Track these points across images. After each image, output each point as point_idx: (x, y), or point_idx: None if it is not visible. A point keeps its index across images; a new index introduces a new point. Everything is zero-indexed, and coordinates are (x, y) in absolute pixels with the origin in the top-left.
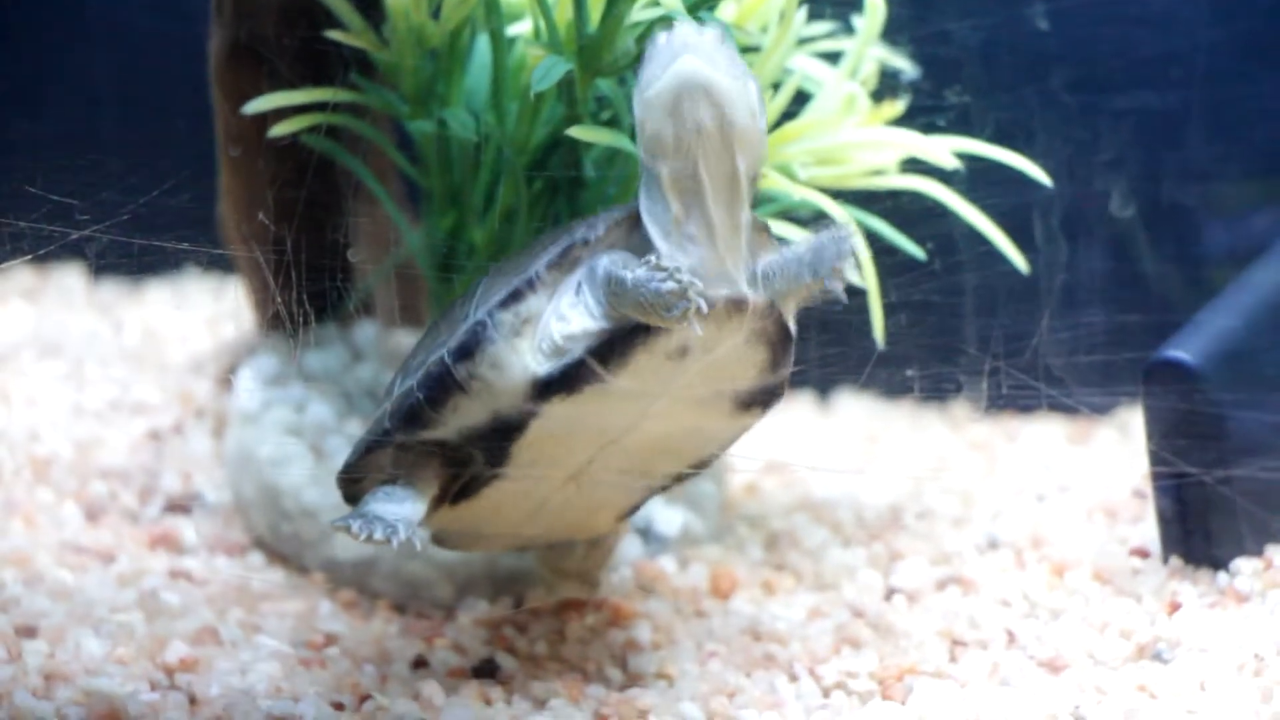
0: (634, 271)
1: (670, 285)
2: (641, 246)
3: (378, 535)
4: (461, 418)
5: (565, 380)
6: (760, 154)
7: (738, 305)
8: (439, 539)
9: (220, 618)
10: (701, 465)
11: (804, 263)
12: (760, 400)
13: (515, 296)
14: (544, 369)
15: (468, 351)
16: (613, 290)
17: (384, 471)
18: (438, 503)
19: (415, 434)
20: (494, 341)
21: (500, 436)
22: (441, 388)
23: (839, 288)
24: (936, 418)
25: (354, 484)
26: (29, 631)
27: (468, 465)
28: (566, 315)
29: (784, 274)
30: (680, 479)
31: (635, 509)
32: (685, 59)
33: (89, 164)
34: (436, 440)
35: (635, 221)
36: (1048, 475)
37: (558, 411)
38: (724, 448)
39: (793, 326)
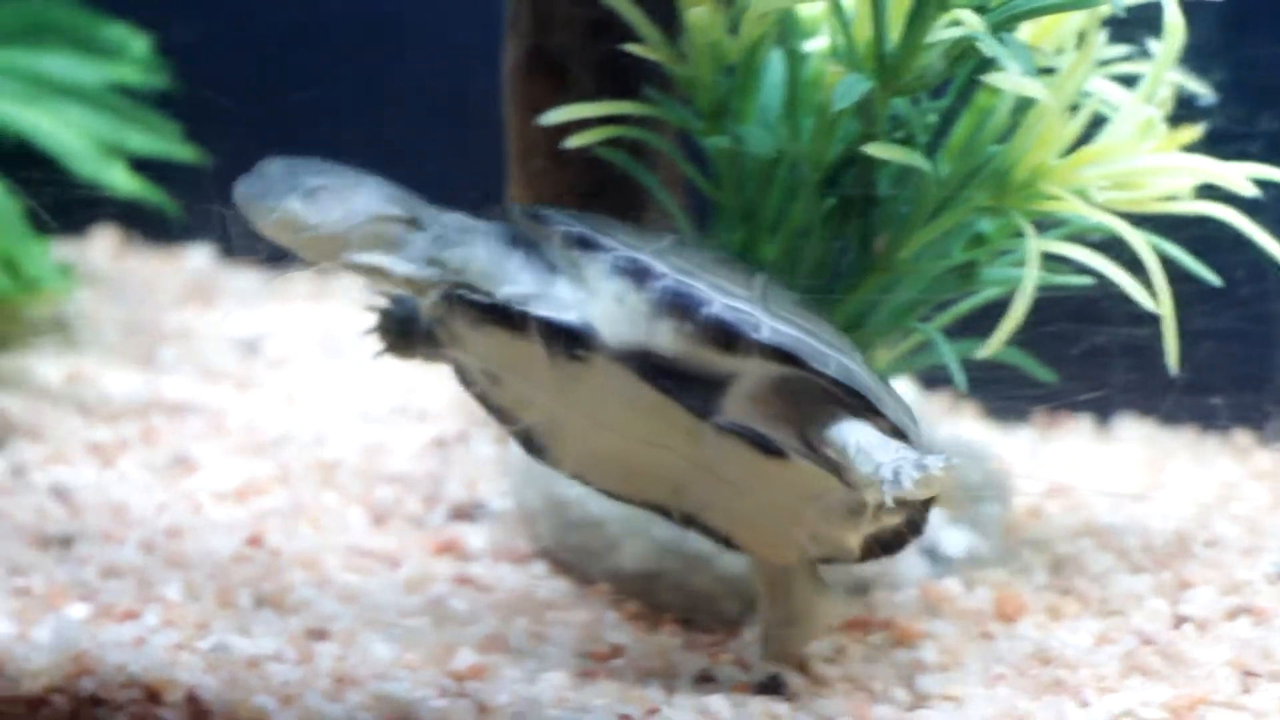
0: None
1: None
2: None
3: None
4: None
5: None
6: (346, 234)
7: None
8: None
9: (507, 625)
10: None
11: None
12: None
13: None
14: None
15: None
16: None
17: None
18: None
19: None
20: None
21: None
22: None
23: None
24: (1218, 446)
25: None
26: (320, 634)
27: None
28: None
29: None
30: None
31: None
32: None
33: (386, 174)
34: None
35: None
36: None
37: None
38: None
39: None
